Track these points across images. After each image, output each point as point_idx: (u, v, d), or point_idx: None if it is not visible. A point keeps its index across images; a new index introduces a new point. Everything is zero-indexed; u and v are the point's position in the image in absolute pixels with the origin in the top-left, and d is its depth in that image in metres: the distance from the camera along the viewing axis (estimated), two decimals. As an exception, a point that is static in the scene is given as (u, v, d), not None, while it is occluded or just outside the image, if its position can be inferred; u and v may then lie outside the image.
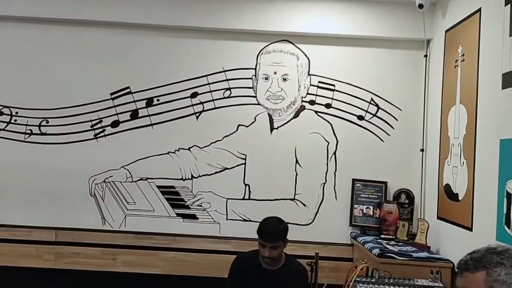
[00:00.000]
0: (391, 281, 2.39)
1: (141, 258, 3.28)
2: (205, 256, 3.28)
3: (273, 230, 2.63)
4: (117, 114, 3.32)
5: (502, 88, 2.18)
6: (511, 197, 2.07)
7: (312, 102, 3.34)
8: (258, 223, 2.73)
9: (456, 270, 1.32)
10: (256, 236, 2.74)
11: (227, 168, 3.34)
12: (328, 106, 3.34)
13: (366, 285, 2.35)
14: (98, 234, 3.29)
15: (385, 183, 3.29)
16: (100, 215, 3.31)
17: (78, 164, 3.30)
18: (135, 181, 3.32)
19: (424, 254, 2.70)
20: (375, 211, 3.26)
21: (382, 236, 3.12)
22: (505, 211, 2.10)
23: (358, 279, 2.43)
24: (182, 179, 3.34)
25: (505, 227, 2.08)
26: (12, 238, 3.27)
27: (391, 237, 3.09)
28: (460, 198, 2.62)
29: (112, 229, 3.30)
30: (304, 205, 3.32)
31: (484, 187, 2.34)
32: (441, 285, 2.36)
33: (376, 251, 2.72)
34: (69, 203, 3.29)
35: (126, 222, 3.31)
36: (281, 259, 2.80)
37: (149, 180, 3.33)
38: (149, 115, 3.32)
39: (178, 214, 3.33)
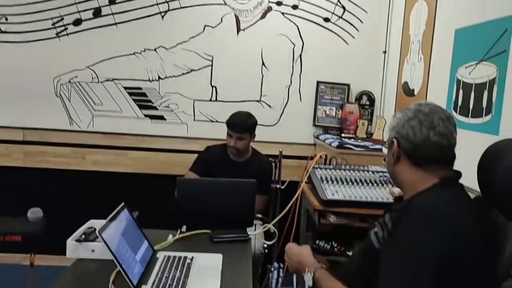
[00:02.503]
0: (347, 167, 2.57)
1: (110, 157, 3.36)
2: (173, 155, 3.38)
3: (240, 122, 2.74)
4: (79, 12, 3.23)
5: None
6: (460, 83, 2.21)
7: (279, 3, 3.32)
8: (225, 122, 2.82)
9: None
10: (222, 136, 2.85)
11: (194, 70, 3.35)
12: (295, 7, 3.33)
13: (323, 171, 2.52)
14: (66, 134, 3.32)
15: (348, 85, 3.39)
16: (67, 116, 3.33)
17: (41, 64, 3.25)
18: (101, 82, 3.32)
19: (379, 146, 2.87)
20: (338, 112, 3.39)
21: (343, 134, 3.28)
22: (454, 98, 2.25)
23: (317, 166, 2.60)
24: (149, 80, 3.34)
25: (453, 111, 2.23)
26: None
27: (351, 135, 3.25)
28: (415, 93, 2.76)
29: (80, 129, 3.34)
30: (269, 106, 3.42)
31: (438, 77, 2.46)
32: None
33: (335, 143, 2.87)
34: (35, 104, 3.28)
35: (94, 122, 3.34)
36: (248, 152, 2.93)
37: (115, 81, 3.32)
38: (112, 14, 3.24)
39: (146, 115, 3.38)
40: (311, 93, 3.41)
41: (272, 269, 3.20)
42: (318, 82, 3.39)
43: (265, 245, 2.79)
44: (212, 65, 3.35)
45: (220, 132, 3.12)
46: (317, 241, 2.44)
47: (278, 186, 3.15)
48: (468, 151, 1.47)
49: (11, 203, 2.93)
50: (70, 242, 1.65)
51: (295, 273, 1.56)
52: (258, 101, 3.40)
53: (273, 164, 3.17)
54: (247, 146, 2.86)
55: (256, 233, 2.06)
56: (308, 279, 1.40)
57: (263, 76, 3.38)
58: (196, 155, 3.08)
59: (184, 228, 2.05)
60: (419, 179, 1.32)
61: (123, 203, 1.65)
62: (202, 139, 3.35)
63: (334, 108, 3.40)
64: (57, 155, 3.32)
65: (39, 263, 2.19)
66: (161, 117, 3.39)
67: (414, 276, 1.15)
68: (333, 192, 2.28)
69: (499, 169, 1.26)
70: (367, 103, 3.38)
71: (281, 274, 3.19)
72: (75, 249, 1.64)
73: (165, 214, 2.25)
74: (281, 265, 3.25)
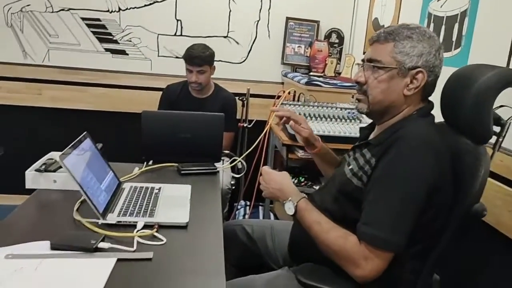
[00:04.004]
0: (316, 104, 2.55)
1: (69, 93, 3.19)
2: (137, 93, 3.25)
3: (199, 54, 2.65)
4: None
5: None
6: (431, 17, 2.18)
7: None
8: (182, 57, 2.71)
9: (368, 41, 1.38)
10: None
11: (157, 1, 3.16)
12: None
13: (292, 107, 2.49)
14: (20, 67, 3.11)
15: (318, 22, 3.31)
16: (21, 48, 3.10)
17: (-12, -10, 2.97)
18: (56, 12, 3.08)
19: (348, 84, 2.85)
20: (306, 50, 3.33)
21: (311, 73, 3.23)
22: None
23: (285, 102, 2.56)
24: (108, 11, 3.13)
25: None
26: None
27: (319, 74, 3.21)
28: (386, 29, 2.72)
29: (35, 63, 3.13)
30: (237, 43, 3.30)
31: (409, 12, 2.43)
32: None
33: (303, 80, 2.83)
34: (-17, 34, 3.04)
35: (49, 55, 3.14)
36: (210, 87, 2.85)
37: (71, 11, 3.09)
38: None
39: (106, 49, 3.20)
40: (280, 30, 3.31)
41: (239, 207, 3.24)
42: (288, 18, 3.28)
43: (233, 182, 2.80)
44: (177, -3, 3.17)
45: (184, 69, 3.02)
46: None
47: (245, 125, 3.12)
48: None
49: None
50: (29, 172, 1.57)
51: (270, 199, 1.46)
52: (225, 37, 3.28)
53: (240, 103, 3.12)
54: (208, 80, 2.78)
55: (224, 167, 2.03)
56: (290, 207, 1.32)
57: (230, 10, 3.24)
58: (159, 93, 2.98)
59: (150, 162, 1.99)
60: (405, 110, 1.30)
61: (85, 132, 1.57)
62: (166, 76, 3.22)
63: (303, 46, 3.33)
64: (11, 90, 3.12)
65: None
66: (123, 52, 3.22)
67: (407, 204, 1.15)
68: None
69: (468, 95, 1.26)
70: (336, 41, 3.33)
71: (247, 211, 3.24)
72: (35, 179, 1.56)
73: (129, 150, 2.19)
74: (247, 203, 3.29)
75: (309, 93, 2.69)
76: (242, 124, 3.11)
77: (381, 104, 1.30)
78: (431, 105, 1.33)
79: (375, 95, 1.30)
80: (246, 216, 3.16)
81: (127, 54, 3.22)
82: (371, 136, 1.40)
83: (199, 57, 2.63)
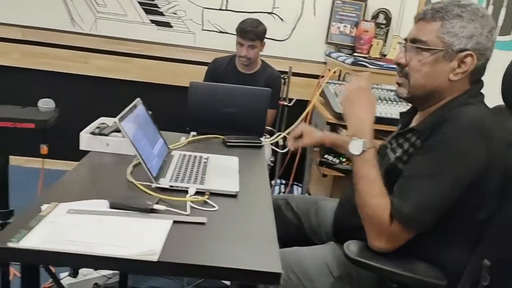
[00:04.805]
0: (361, 84, 2.50)
1: (114, 63, 3.24)
2: (179, 66, 3.27)
3: (252, 28, 2.62)
4: None
5: None
6: (492, -2, 2.09)
7: None
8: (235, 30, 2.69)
9: (413, 19, 1.27)
10: (231, 49, 2.73)
11: (205, -26, 3.16)
12: None
13: (337, 86, 2.46)
14: (68, 35, 3.17)
15: (365, 1, 3.23)
16: (69, 16, 3.16)
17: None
18: (105, -19, 3.12)
19: (394, 66, 2.78)
20: (352, 30, 3.26)
21: (355, 54, 3.17)
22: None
23: (330, 81, 2.53)
24: (156, -18, 3.15)
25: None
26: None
27: (364, 55, 3.14)
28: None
29: (83, 31, 3.18)
30: (281, 19, 3.27)
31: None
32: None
33: (349, 60, 2.78)
34: (35, 1, 3.10)
35: (97, 25, 3.18)
36: (257, 63, 2.84)
37: (120, -20, 3.13)
38: None
39: (152, 21, 3.22)
40: (326, 8, 3.25)
41: (275, 184, 3.25)
42: (335, -3, 3.22)
43: (272, 159, 2.80)
44: (224, -30, 3.15)
45: (227, 44, 3.01)
46: (325, 155, 2.44)
47: (285, 103, 3.10)
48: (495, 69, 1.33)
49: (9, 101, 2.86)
50: (84, 134, 1.61)
51: (345, 118, 1.28)
52: (270, 13, 3.24)
53: (282, 81, 3.10)
54: (257, 55, 2.76)
55: (270, 141, 2.02)
56: (358, 148, 1.19)
57: (277, -15, 3.20)
58: (202, 67, 2.98)
59: (195, 133, 2.01)
60: (453, 91, 1.21)
61: (138, 98, 1.59)
62: (209, 50, 3.23)
63: (348, 26, 3.26)
64: (58, 57, 3.19)
65: (49, 167, 2.17)
66: (168, 24, 3.23)
67: (442, 186, 1.11)
68: (347, 106, 2.23)
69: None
70: (384, 22, 3.24)
71: (282, 189, 3.25)
72: (90, 141, 1.60)
73: (171, 122, 2.20)
74: (283, 181, 3.30)
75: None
76: (282, 103, 3.09)
77: (423, 89, 1.22)
78: (480, 84, 1.25)
79: (417, 79, 1.21)
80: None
81: (171, 27, 3.24)
82: (413, 122, 1.33)
83: (252, 32, 2.61)
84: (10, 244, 0.96)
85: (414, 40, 1.22)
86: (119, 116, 1.34)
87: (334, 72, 2.66)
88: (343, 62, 2.83)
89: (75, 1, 3.13)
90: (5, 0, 3.08)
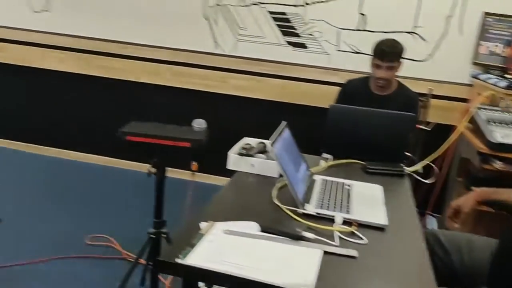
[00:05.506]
0: (518, 111, 2.25)
1: (250, 83, 3.38)
2: (312, 86, 3.29)
3: (391, 48, 2.51)
4: None
5: None
6: None
7: None
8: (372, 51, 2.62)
9: None
10: (365, 70, 2.65)
11: (344, -5, 3.15)
12: None
13: (490, 112, 2.24)
14: (210, 57, 3.40)
15: (522, 18, 2.92)
16: (213, 39, 3.39)
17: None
18: (247, 6, 3.28)
19: (559, 91, 2.46)
20: (504, 50, 2.96)
21: (507, 75, 2.87)
22: None
23: (481, 106, 2.32)
24: (294, 5, 3.22)
25: None
26: (131, 55, 3.50)
27: (518, 77, 2.83)
28: None
29: (225, 53, 3.39)
30: (422, 39, 3.10)
31: None
32: None
33: (502, 83, 2.52)
34: (183, 25, 3.39)
35: (238, 47, 3.36)
36: (393, 84, 2.72)
37: (261, 5, 3.26)
38: None
39: (288, 42, 3.30)
40: (474, 26, 3.00)
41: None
42: (485, 13, 2.96)
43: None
44: (363, -9, 3.11)
45: (363, 65, 2.94)
46: (472, 188, 2.22)
47: (423, 127, 2.92)
48: None
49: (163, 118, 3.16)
50: (232, 155, 1.69)
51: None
52: (410, 32, 3.10)
53: (420, 103, 2.93)
54: (394, 76, 2.64)
55: (412, 170, 1.91)
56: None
57: (419, 5, 3.05)
58: (335, 88, 2.95)
59: (330, 157, 1.98)
60: None
61: (285, 122, 1.62)
62: (343, 71, 3.20)
63: (500, 45, 2.97)
64: (201, 77, 3.43)
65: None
66: (303, 45, 3.28)
67: None
68: (503, 135, 2.02)
69: None
70: (544, 40, 2.89)
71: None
72: (236, 161, 1.68)
73: (305, 142, 2.19)
74: (417, 210, 3.09)
75: (510, 98, 2.38)
76: (420, 127, 2.92)
77: None
78: None
79: None
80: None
81: (307, 48, 3.28)
82: None
83: (392, 53, 2.50)
84: (178, 260, 1.03)
85: None
86: (271, 141, 1.37)
87: (486, 97, 2.44)
88: (494, 85, 2.58)
89: (220, 26, 3.35)
90: (155, 25, 3.42)
